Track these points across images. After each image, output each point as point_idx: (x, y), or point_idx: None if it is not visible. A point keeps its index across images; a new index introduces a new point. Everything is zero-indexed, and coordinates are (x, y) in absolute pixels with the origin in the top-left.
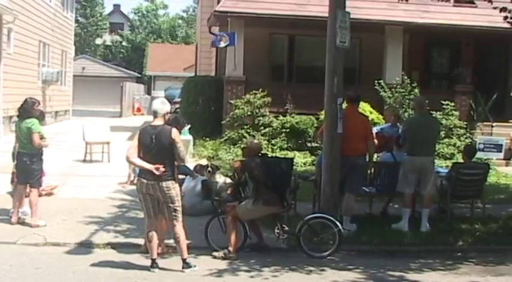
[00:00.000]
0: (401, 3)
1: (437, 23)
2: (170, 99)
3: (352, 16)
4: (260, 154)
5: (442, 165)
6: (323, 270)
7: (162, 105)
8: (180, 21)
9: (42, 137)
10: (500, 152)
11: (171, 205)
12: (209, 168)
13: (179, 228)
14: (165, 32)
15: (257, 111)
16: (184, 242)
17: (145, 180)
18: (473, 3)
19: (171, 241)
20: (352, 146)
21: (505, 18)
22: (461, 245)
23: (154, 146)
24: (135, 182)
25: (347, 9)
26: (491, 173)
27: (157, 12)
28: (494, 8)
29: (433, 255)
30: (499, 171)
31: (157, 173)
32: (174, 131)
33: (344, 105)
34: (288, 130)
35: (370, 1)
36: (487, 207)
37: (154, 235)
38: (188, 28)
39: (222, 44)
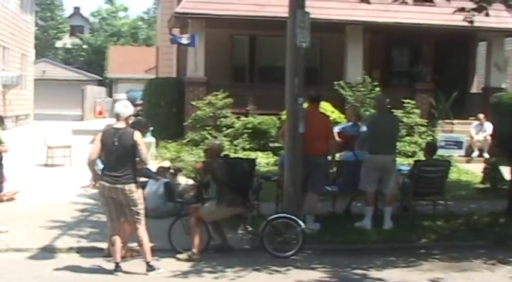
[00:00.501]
0: (362, 3)
1: (397, 22)
2: (132, 102)
3: (312, 16)
4: (222, 155)
5: (403, 163)
6: (287, 269)
7: (124, 108)
8: (140, 23)
9: (1, 142)
10: (461, 149)
11: (133, 208)
12: (171, 170)
13: (142, 231)
14: (125, 34)
15: (219, 112)
16: (147, 245)
17: (107, 184)
18: (433, 2)
19: (135, 244)
20: (314, 146)
21: (464, 18)
22: (424, 241)
23: (117, 149)
24: (97, 185)
25: (307, 9)
26: (452, 170)
27: (118, 14)
28: (454, 11)
29: (397, 252)
30: (460, 168)
31: None
32: (137, 133)
33: (305, 105)
34: (250, 131)
35: (331, 1)
36: (449, 204)
37: (117, 239)
38: (149, 30)
39: (184, 41)
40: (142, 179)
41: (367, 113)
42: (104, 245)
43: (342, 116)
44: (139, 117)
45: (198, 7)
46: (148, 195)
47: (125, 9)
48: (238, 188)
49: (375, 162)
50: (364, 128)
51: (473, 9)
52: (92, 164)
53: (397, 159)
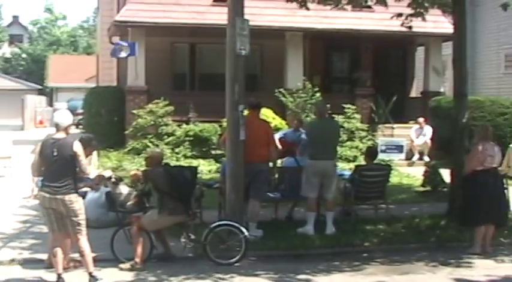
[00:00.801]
0: (301, 10)
1: (336, 28)
2: (73, 111)
3: (251, 23)
4: (163, 164)
5: (345, 168)
6: (231, 277)
7: (64, 118)
8: (80, 32)
9: None
10: (402, 152)
11: (74, 219)
12: (113, 179)
13: (84, 242)
14: (65, 42)
15: (160, 120)
16: (89, 256)
17: (47, 195)
18: (371, 8)
19: (77, 255)
20: (255, 152)
21: (402, 23)
22: (367, 245)
23: (56, 160)
24: (38, 196)
25: (246, 17)
26: (393, 174)
27: (57, 23)
28: (392, 17)
29: (340, 257)
30: (401, 171)
31: None
32: (76, 143)
33: (246, 112)
34: (191, 138)
35: (270, 8)
36: (390, 208)
37: (59, 250)
38: (89, 38)
39: (123, 54)
40: (83, 189)
41: (308, 119)
42: (46, 257)
43: (283, 122)
44: (89, 135)
45: (137, 15)
46: (90, 205)
47: (64, 17)
48: (180, 196)
49: (316, 168)
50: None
51: (411, 15)
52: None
53: (339, 164)
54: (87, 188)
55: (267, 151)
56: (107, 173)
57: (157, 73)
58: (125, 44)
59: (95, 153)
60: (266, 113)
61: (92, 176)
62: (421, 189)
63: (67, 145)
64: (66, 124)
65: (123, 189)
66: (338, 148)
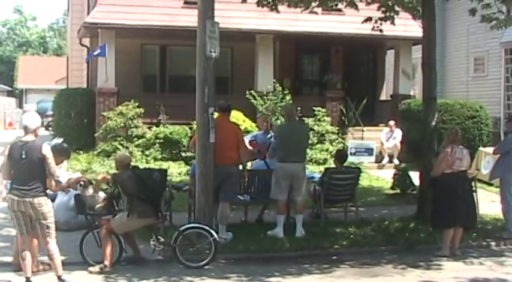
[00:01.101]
0: (271, 12)
1: (306, 31)
2: (43, 113)
3: (222, 25)
4: (131, 166)
5: (315, 171)
6: (201, 279)
7: (32, 120)
8: (50, 33)
9: None
10: (372, 155)
11: (43, 222)
12: (81, 182)
13: (53, 245)
14: (35, 44)
15: (130, 122)
16: (58, 259)
17: (16, 197)
18: (341, 11)
19: (46, 258)
20: (225, 155)
21: (372, 28)
22: (337, 248)
23: (25, 163)
24: (6, 198)
25: (216, 19)
26: (363, 177)
27: (26, 24)
28: (363, 21)
29: (310, 259)
30: (371, 174)
31: None
32: (45, 146)
33: (216, 115)
34: (161, 141)
35: (240, 10)
36: (360, 210)
37: (27, 253)
38: (60, 39)
39: (95, 52)
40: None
41: (279, 121)
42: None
43: (254, 124)
44: (64, 145)
45: (108, 17)
46: (59, 208)
47: (34, 18)
48: (149, 199)
49: (285, 171)
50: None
51: (381, 19)
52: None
53: (309, 166)
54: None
55: (236, 154)
56: (76, 176)
57: (127, 75)
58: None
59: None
60: (236, 116)
61: (63, 179)
62: (391, 191)
63: (36, 148)
64: (34, 126)
65: (92, 191)
66: (308, 151)
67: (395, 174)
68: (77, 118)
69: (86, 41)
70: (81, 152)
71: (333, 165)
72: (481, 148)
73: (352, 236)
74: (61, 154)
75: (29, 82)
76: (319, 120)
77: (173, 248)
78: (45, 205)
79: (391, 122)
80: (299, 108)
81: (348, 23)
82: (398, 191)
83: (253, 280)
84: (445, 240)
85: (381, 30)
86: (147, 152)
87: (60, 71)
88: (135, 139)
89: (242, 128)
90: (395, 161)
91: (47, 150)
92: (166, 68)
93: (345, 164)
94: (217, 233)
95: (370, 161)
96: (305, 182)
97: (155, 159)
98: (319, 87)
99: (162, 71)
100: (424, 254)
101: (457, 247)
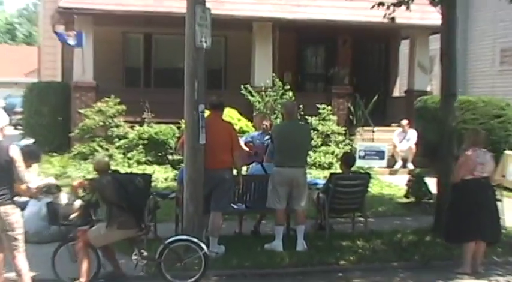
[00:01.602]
0: None
1: (309, 18)
2: (10, 109)
3: (214, 12)
4: (111, 170)
5: (319, 176)
6: None
7: None
8: (20, 19)
9: None
10: (383, 159)
11: (10, 233)
12: (46, 187)
13: (21, 259)
14: (1, 31)
15: (110, 121)
16: (27, 275)
17: None
18: None
19: (13, 274)
20: (217, 158)
21: (385, 15)
22: (343, 264)
23: None
24: None
25: (208, 4)
26: (373, 183)
27: None
28: (373, 6)
29: (312, 276)
30: (382, 180)
31: None
32: (13, 147)
33: (207, 113)
34: (146, 142)
35: None
36: (369, 221)
37: None
38: (30, 26)
39: (71, 41)
40: (22, 199)
41: (278, 120)
42: None
43: (250, 124)
44: (30, 146)
45: (84, 1)
46: (29, 217)
47: (1, 3)
48: (131, 208)
49: (283, 176)
50: None
51: (394, 4)
52: None
53: (312, 171)
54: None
55: (230, 157)
56: (47, 181)
57: (107, 67)
58: (70, 33)
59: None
60: (230, 114)
61: (33, 184)
62: (404, 200)
63: (2, 149)
64: (0, 125)
65: (67, 199)
66: (310, 154)
67: (409, 181)
68: (50, 116)
69: (60, 29)
70: (54, 154)
71: (339, 170)
72: (507, 151)
73: (360, 250)
74: (31, 157)
75: None
76: (323, 119)
77: (158, 263)
78: (12, 214)
79: (405, 122)
80: (301, 105)
81: (357, 9)
82: (412, 199)
83: None
84: (465, 255)
85: (393, 18)
86: (129, 155)
87: (30, 62)
88: (116, 140)
89: (237, 127)
90: (410, 166)
91: (15, 152)
92: (152, 60)
93: (352, 169)
94: (207, 246)
95: (381, 166)
96: (306, 189)
97: (138, 162)
98: (324, 82)
99: (146, 63)
100: (442, 272)
101: (479, 264)
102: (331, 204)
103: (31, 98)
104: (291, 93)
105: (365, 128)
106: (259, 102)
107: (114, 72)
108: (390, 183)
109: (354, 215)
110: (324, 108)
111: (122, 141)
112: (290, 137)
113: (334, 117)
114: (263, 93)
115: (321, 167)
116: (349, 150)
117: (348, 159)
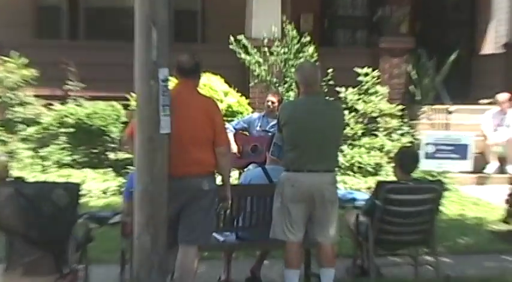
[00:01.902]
0: None
1: None
2: None
3: None
4: (13, 178)
5: (358, 188)
6: None
7: None
8: None
9: None
10: (465, 158)
11: None
12: None
13: None
14: None
15: (11, 95)
16: None
17: None
18: None
19: None
20: (189, 158)
21: None
22: None
23: None
24: None
25: None
26: (449, 199)
27: None
28: None
29: None
30: (464, 194)
31: None
32: None
33: (173, 83)
34: (71, 130)
35: None
36: (443, 262)
37: None
38: None
39: None
40: None
41: (292, 95)
42: None
43: (244, 100)
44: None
45: None
46: None
47: None
48: (45, 241)
49: (298, 187)
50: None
51: None
52: None
53: (347, 179)
54: None
55: (211, 155)
56: None
57: (9, 9)
58: None
59: None
60: (212, 84)
61: None
62: (503, 227)
63: None
64: None
65: None
66: (343, 150)
67: (510, 195)
68: None
69: None
70: None
71: (392, 177)
72: None
73: None
74: None
75: None
76: (365, 92)
77: None
78: None
79: (504, 96)
80: (329, 69)
81: None
82: None
83: None
84: None
85: None
86: (43, 152)
87: None
88: (21, 127)
89: (223, 106)
90: (510, 170)
91: None
92: None
93: (414, 175)
94: None
95: (462, 170)
96: (337, 208)
97: (59, 164)
98: (367, 31)
99: (72, 0)
100: None
101: None
102: (379, 233)
103: None
104: (311, 50)
105: (436, 106)
106: (259, 64)
107: (21, 15)
108: (478, 199)
109: (418, 251)
110: (366, 75)
111: (32, 130)
112: (309, 122)
113: (385, 90)
114: (266, 49)
115: (361, 171)
116: (409, 145)
117: (407, 159)
